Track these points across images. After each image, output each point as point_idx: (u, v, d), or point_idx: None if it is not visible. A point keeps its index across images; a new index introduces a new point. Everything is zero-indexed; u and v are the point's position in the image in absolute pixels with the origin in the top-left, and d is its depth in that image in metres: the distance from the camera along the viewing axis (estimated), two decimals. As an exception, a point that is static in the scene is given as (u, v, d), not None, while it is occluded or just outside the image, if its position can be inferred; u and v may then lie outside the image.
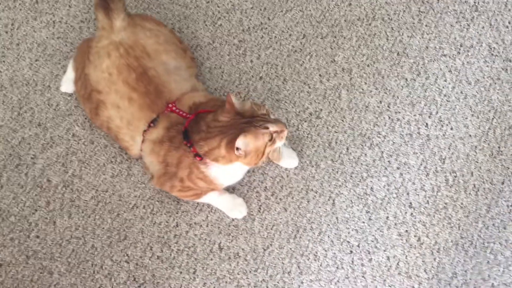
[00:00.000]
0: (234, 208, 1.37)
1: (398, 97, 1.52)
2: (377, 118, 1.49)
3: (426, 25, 1.62)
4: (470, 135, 1.46)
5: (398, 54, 1.58)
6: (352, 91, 1.52)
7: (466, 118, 1.48)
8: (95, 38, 1.34)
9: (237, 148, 1.12)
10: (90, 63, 1.31)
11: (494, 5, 1.64)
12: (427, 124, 1.48)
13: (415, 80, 1.54)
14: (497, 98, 1.50)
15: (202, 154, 1.19)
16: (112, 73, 1.27)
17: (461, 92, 1.52)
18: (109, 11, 1.29)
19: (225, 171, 1.22)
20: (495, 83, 1.52)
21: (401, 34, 1.61)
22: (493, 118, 1.48)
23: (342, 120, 1.49)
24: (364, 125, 1.48)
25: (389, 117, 1.49)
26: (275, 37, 1.60)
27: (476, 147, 1.44)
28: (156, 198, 1.41)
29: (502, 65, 1.55)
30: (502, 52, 1.57)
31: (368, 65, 1.56)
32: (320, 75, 1.55)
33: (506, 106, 1.49)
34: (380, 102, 1.51)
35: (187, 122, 1.23)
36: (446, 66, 1.55)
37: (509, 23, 1.61)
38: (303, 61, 1.56)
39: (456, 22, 1.62)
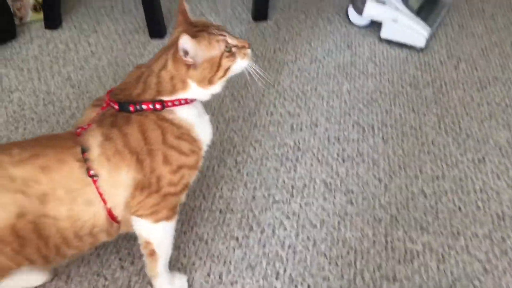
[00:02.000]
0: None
1: (231, 263, 1.11)
2: (207, 297, 1.04)
3: (247, 174, 1.33)
4: (334, 289, 1.07)
5: (220, 211, 1.23)
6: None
7: (323, 268, 1.11)
8: None
9: (185, 53, 0.90)
10: None
11: (315, 141, 1.44)
12: (276, 288, 1.07)
13: (248, 237, 1.17)
14: (352, 235, 1.18)
15: (156, 93, 0.93)
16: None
17: (308, 239, 1.17)
18: None
19: (189, 111, 0.96)
20: (344, 220, 1.22)
21: (220, 189, 1.29)
22: (355, 261, 1.13)
23: (159, 313, 1.01)
24: (191, 312, 1.02)
25: (224, 292, 1.06)
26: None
27: (346, 302, 1.05)
28: None
29: (346, 198, 1.27)
30: (340, 184, 1.31)
31: (185, 232, 1.18)
32: (120, 258, 1.11)
33: (365, 243, 1.17)
34: (208, 274, 1.09)
35: (107, 100, 0.95)
36: (282, 213, 1.23)
37: (337, 154, 1.40)
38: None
39: (281, 165, 1.36)
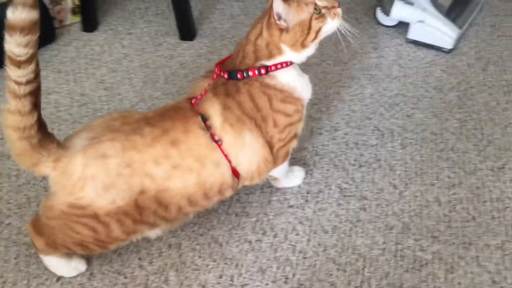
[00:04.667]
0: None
1: (243, 266, 1.17)
2: (218, 298, 1.11)
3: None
4: (341, 295, 1.10)
5: (236, 215, 1.29)
6: (182, 270, 1.16)
7: (331, 274, 1.15)
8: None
9: (279, 17, 0.99)
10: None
11: (334, 146, 1.46)
12: (284, 292, 1.11)
13: (261, 240, 1.22)
14: (362, 242, 1.21)
15: (254, 59, 1.04)
16: (132, 161, 0.98)
17: (319, 244, 1.21)
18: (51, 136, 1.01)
19: (289, 73, 1.07)
20: (356, 226, 1.25)
21: (237, 193, 1.34)
22: (363, 268, 1.16)
23: (172, 311, 1.08)
24: (202, 312, 1.08)
25: (234, 293, 1.11)
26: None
27: (351, 309, 1.08)
28: None
29: (359, 205, 1.30)
30: (355, 190, 1.33)
31: (201, 235, 1.24)
32: (139, 258, 1.19)
33: (375, 250, 1.19)
34: (221, 276, 1.15)
35: (217, 71, 1.07)
36: (296, 218, 1.27)
37: (354, 160, 1.42)
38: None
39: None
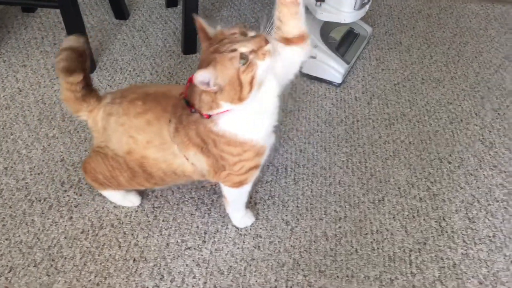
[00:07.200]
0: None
1: (140, 314, 1.19)
2: None
3: (163, 220, 1.41)
4: (234, 337, 1.16)
5: (134, 260, 1.31)
6: (79, 323, 1.16)
7: (226, 315, 1.20)
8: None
9: (206, 85, 0.97)
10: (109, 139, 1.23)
11: (231, 184, 1.52)
12: (180, 338, 1.15)
13: (158, 286, 1.25)
14: (256, 281, 1.28)
15: (198, 108, 1.07)
16: (124, 123, 1.18)
17: (215, 286, 1.26)
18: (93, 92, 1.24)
19: (232, 119, 1.07)
20: (250, 265, 1.31)
21: (135, 237, 1.36)
22: (256, 307, 1.23)
23: None
24: None
25: None
26: (-30, 280, 1.22)
27: None
28: None
29: (254, 243, 1.37)
30: (250, 228, 1.40)
31: (98, 284, 1.24)
32: (33, 313, 1.17)
33: (267, 288, 1.27)
34: (118, 326, 1.17)
35: (185, 91, 1.12)
36: (193, 260, 1.32)
37: (250, 197, 1.49)
38: (9, 302, 1.18)
39: (196, 209, 1.45)
